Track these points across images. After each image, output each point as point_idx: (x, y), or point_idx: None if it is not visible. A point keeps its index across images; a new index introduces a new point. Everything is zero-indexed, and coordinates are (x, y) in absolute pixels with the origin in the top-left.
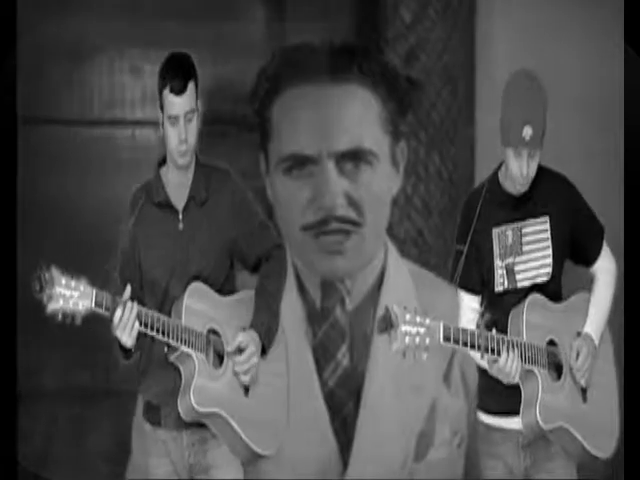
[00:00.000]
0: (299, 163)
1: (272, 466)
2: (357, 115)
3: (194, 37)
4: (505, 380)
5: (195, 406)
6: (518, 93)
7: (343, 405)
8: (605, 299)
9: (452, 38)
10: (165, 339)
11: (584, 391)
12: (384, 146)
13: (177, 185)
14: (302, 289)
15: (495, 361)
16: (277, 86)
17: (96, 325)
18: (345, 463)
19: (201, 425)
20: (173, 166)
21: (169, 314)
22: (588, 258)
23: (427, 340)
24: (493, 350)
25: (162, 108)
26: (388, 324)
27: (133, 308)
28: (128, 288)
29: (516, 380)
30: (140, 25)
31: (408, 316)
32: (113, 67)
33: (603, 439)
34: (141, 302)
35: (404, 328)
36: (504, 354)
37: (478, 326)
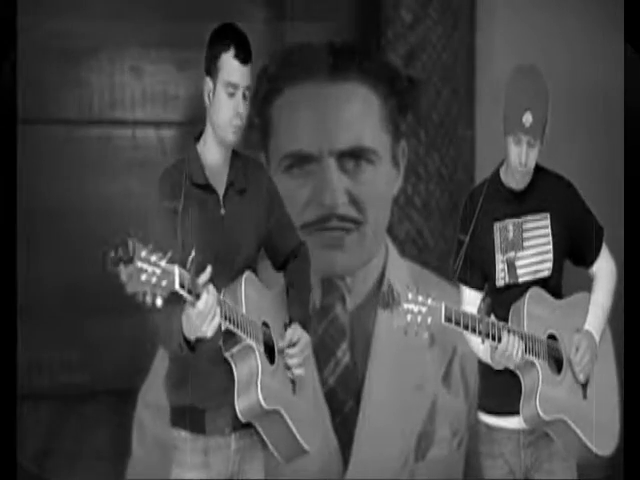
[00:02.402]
0: (300, 161)
1: (272, 464)
2: (358, 114)
3: (194, 37)
4: (508, 364)
5: (263, 403)
6: (520, 83)
7: (343, 403)
8: (605, 299)
9: (452, 38)
10: (236, 330)
11: (584, 388)
12: (385, 145)
13: (215, 167)
14: None
15: (496, 347)
16: (278, 85)
17: (97, 324)
18: (346, 461)
19: (245, 430)
20: (215, 144)
21: None
22: (587, 259)
23: (429, 319)
24: (493, 336)
25: (211, 75)
26: (390, 299)
27: (215, 292)
28: (209, 268)
29: (518, 361)
30: (140, 25)
31: (410, 295)
32: (113, 67)
33: (603, 437)
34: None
35: (406, 306)
36: (505, 337)
37: (479, 311)
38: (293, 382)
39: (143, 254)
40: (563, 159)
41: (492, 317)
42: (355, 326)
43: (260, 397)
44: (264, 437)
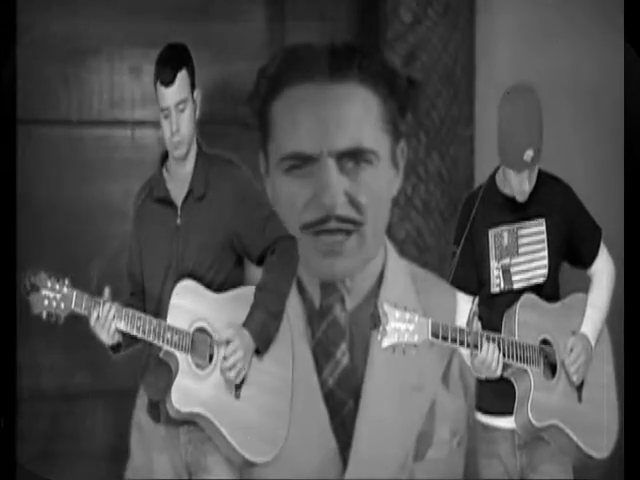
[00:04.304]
0: (300, 162)
1: (271, 465)
2: (357, 114)
3: (194, 37)
4: (487, 374)
5: (176, 406)
6: (516, 115)
7: (343, 404)
8: (602, 300)
9: (452, 38)
10: (147, 338)
11: (579, 390)
12: (384, 145)
13: (177, 180)
14: (301, 288)
15: (475, 355)
16: (277, 86)
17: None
18: (345, 462)
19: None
20: (173, 161)
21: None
22: (585, 260)
23: (416, 337)
24: (482, 347)
25: (158, 103)
26: (377, 321)
27: (111, 309)
28: (107, 289)
29: (498, 373)
30: (139, 25)
31: (397, 313)
32: (113, 67)
33: (599, 439)
34: (143, 301)
35: (393, 325)
36: (484, 346)
37: (468, 323)
38: (237, 387)
39: (48, 284)
40: (562, 159)
41: (479, 327)
42: (354, 327)
43: (173, 400)
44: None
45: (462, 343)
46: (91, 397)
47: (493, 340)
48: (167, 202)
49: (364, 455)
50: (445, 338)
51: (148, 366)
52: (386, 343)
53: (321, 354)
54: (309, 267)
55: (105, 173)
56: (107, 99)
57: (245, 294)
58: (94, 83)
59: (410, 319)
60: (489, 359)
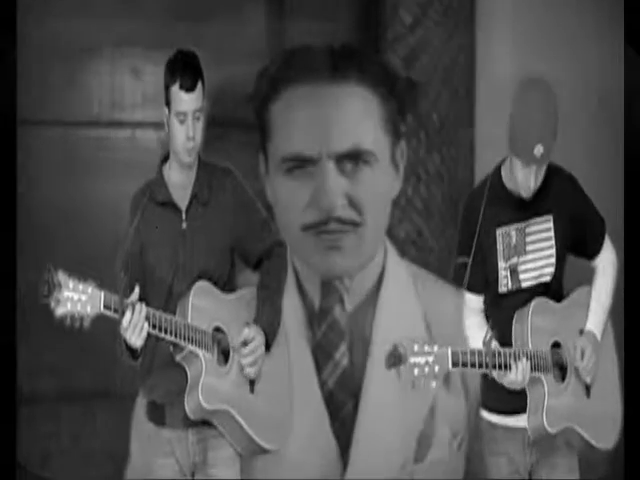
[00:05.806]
0: (299, 164)
1: (272, 466)
2: (357, 116)
3: (194, 38)
4: (517, 387)
5: (204, 404)
6: (532, 107)
7: (342, 405)
8: (606, 291)
9: (452, 39)
10: (173, 339)
11: (587, 387)
12: (384, 146)
13: (180, 184)
14: (301, 290)
15: (505, 375)
16: (277, 87)
17: (96, 326)
18: (345, 463)
19: (205, 423)
20: (177, 165)
21: (173, 313)
22: (590, 252)
23: (436, 368)
24: (501, 366)
25: (168, 104)
26: (397, 359)
27: (142, 309)
28: (137, 289)
29: (526, 383)
30: (140, 26)
31: (416, 347)
32: (113, 68)
33: (605, 430)
34: (146, 302)
35: (413, 360)
36: (513, 367)
37: (484, 344)
38: (252, 382)
39: (71, 285)
40: (563, 159)
41: (497, 345)
42: (353, 328)
43: (201, 399)
44: (222, 432)
45: (482, 366)
46: (91, 398)
47: (510, 356)
48: (171, 206)
49: (364, 456)
50: (465, 364)
51: (152, 370)
52: (405, 379)
53: (321, 355)
54: (309, 265)
55: (105, 174)
56: (107, 100)
57: (249, 294)
58: (94, 84)
59: (429, 351)
60: (520, 378)
